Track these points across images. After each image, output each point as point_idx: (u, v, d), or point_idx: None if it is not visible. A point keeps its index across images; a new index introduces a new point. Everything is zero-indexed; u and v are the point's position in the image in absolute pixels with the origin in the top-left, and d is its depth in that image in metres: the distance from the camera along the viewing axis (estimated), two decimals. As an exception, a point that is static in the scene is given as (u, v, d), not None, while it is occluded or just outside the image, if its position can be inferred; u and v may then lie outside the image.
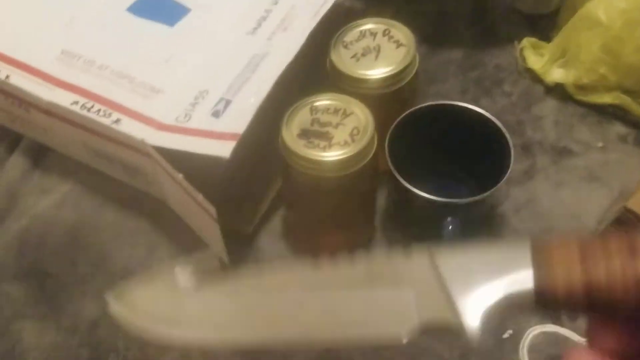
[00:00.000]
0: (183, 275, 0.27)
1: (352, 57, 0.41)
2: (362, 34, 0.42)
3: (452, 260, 0.25)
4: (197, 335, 0.26)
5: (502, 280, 0.24)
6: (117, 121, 0.40)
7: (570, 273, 0.24)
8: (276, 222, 0.45)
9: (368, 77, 0.40)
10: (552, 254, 0.25)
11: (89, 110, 0.41)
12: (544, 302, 0.24)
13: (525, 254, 0.25)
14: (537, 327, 0.40)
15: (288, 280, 0.26)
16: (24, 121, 0.46)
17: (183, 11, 0.46)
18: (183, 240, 0.45)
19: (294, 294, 0.26)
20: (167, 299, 0.27)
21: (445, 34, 0.56)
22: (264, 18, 0.45)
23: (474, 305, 0.24)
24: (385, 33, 0.42)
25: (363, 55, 0.41)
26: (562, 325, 0.40)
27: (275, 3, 0.46)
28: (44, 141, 0.48)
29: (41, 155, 0.49)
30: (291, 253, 0.44)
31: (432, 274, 0.25)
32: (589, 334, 0.26)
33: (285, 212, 0.45)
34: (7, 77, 0.43)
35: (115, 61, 0.43)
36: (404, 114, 0.42)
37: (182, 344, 0.27)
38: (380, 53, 0.41)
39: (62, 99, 0.41)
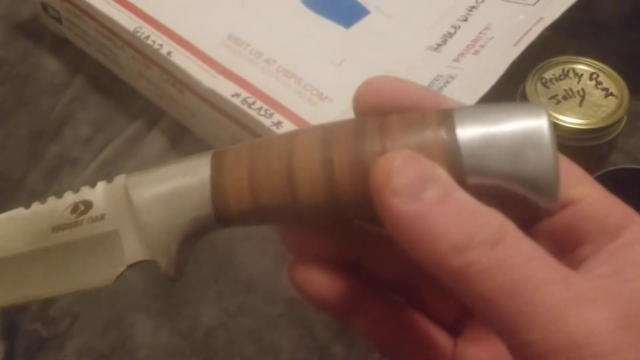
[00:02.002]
0: None
1: (552, 97, 0.36)
2: (565, 73, 0.37)
3: (140, 189, 0.23)
4: None
5: (184, 206, 0.22)
6: (278, 124, 0.37)
7: (238, 182, 0.22)
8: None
9: (568, 125, 0.35)
10: (224, 163, 0.22)
11: (249, 105, 0.38)
12: (225, 222, 0.22)
13: (205, 171, 0.22)
14: None
15: None
16: (173, 100, 0.44)
17: (362, 12, 0.42)
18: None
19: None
20: None
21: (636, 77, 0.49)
22: (450, 35, 0.40)
23: (166, 243, 0.23)
24: (593, 77, 0.37)
25: (565, 98, 0.36)
26: None
27: (465, 20, 0.41)
28: (187, 124, 0.45)
29: (180, 136, 0.46)
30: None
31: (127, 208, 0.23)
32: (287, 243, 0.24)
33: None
34: (169, 53, 0.40)
35: (283, 57, 0.40)
36: (595, 175, 0.36)
37: None
38: (585, 99, 0.36)
39: (224, 88, 0.38)
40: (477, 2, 0.42)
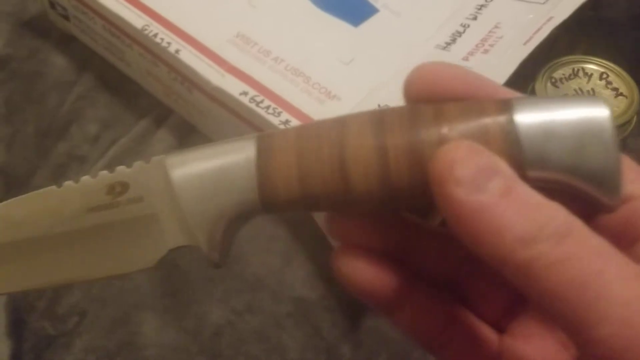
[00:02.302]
0: None
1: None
2: (575, 72, 0.37)
3: (181, 171, 0.22)
4: None
5: (228, 190, 0.22)
6: (286, 122, 0.37)
7: (286, 169, 0.21)
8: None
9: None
10: (271, 148, 0.22)
11: (257, 104, 0.37)
12: (270, 208, 0.22)
13: (250, 154, 0.22)
14: None
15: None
16: (180, 98, 0.44)
17: (370, 11, 0.42)
18: (320, 255, 0.41)
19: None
20: None
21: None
22: (459, 33, 0.40)
23: (209, 228, 0.22)
24: (603, 77, 0.37)
25: (574, 98, 0.36)
26: None
27: (474, 18, 0.40)
28: (194, 122, 0.45)
29: (187, 135, 0.46)
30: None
31: (167, 190, 0.22)
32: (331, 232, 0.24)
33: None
34: (177, 51, 0.40)
35: (291, 55, 0.39)
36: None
37: None
38: (595, 99, 0.36)
39: (232, 86, 0.38)
40: (486, 0, 0.41)
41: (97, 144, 0.46)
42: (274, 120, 0.37)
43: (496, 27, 0.39)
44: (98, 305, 0.39)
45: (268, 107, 0.37)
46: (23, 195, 0.24)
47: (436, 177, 0.19)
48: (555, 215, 0.18)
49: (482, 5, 0.41)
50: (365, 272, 0.23)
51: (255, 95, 0.38)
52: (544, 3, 0.40)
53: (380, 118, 0.21)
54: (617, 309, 0.17)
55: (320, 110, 0.37)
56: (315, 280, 0.40)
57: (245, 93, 0.38)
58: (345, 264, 0.23)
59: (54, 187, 0.24)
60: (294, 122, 0.37)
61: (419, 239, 0.24)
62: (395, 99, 0.37)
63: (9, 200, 0.24)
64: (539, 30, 0.37)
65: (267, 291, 0.40)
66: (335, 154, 0.21)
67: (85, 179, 0.23)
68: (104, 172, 0.23)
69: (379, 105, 0.37)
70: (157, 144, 0.46)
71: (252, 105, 0.37)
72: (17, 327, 0.38)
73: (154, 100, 0.47)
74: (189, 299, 0.40)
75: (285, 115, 0.37)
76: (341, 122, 0.22)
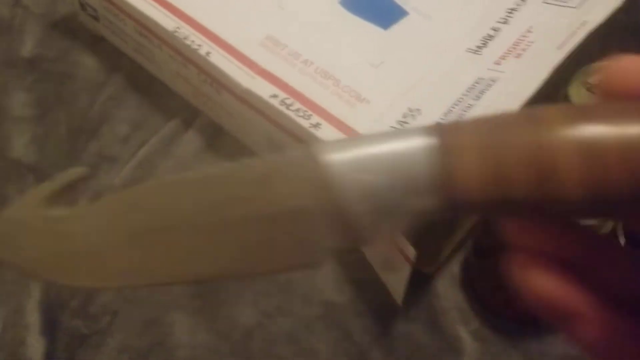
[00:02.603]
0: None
1: (595, 102, 0.35)
2: (608, 77, 0.36)
3: (344, 163, 0.19)
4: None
5: (405, 191, 0.19)
6: (317, 125, 0.37)
7: (479, 169, 0.19)
8: (456, 267, 0.41)
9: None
10: (458, 144, 0.19)
11: (288, 107, 0.38)
12: (455, 210, 0.19)
13: (429, 149, 0.19)
14: None
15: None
16: (210, 100, 0.44)
17: (400, 14, 0.42)
18: (350, 260, 0.41)
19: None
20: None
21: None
22: (490, 37, 0.40)
23: (375, 228, 0.20)
24: None
25: (608, 103, 0.35)
26: None
27: (505, 22, 0.40)
28: (223, 123, 0.46)
29: (216, 136, 0.47)
30: (472, 306, 0.39)
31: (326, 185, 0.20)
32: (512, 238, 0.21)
33: (470, 258, 0.40)
34: (208, 54, 0.40)
35: (321, 58, 0.39)
36: None
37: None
38: (630, 104, 0.35)
39: (262, 89, 0.38)
40: (516, 4, 0.41)
41: (127, 144, 0.46)
42: (304, 123, 0.37)
43: (528, 31, 0.39)
44: (130, 305, 0.40)
45: (298, 110, 0.37)
46: (153, 182, 0.22)
47: None
48: None
49: (512, 9, 0.41)
50: (542, 280, 0.21)
51: (286, 98, 0.38)
52: (576, 7, 0.39)
53: (585, 114, 0.19)
54: None
55: (350, 113, 0.37)
56: (345, 284, 0.40)
57: (275, 96, 0.38)
58: (522, 270, 0.21)
59: (212, 168, 0.21)
60: (324, 125, 0.37)
61: (608, 254, 0.22)
62: (425, 102, 0.37)
63: (139, 186, 0.22)
64: (572, 34, 0.37)
65: (298, 294, 0.40)
66: (539, 155, 0.18)
67: (228, 166, 0.21)
68: (249, 161, 0.21)
69: (409, 109, 0.37)
70: (186, 145, 0.46)
71: (282, 108, 0.38)
72: (50, 326, 0.39)
73: (183, 101, 0.47)
74: (220, 300, 0.40)
75: (315, 118, 0.37)
76: (539, 119, 0.19)
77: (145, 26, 0.43)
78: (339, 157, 0.20)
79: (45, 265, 0.22)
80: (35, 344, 0.38)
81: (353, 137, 0.21)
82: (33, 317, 0.39)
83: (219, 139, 0.47)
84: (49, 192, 0.23)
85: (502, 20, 0.40)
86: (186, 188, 0.21)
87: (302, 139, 0.38)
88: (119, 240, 0.22)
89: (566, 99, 0.36)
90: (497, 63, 0.38)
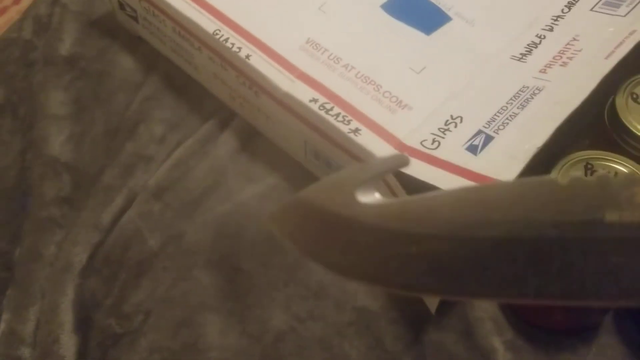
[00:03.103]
0: None
1: (643, 114, 0.35)
2: (657, 88, 0.36)
3: None
4: None
5: None
6: (356, 131, 0.36)
7: None
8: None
9: None
10: None
11: (327, 111, 0.37)
12: None
13: None
14: None
15: None
16: (247, 103, 0.44)
17: (443, 19, 0.41)
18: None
19: None
20: None
21: None
22: (535, 45, 0.39)
23: None
24: (687, 93, 0.35)
25: (657, 114, 0.35)
26: None
27: (551, 29, 0.40)
28: (259, 126, 0.45)
29: (251, 139, 0.46)
30: (507, 316, 0.39)
31: None
32: None
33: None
34: (248, 56, 0.40)
35: (362, 63, 0.39)
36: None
37: None
38: (679, 117, 0.34)
39: (301, 93, 0.38)
40: (562, 12, 0.40)
41: (163, 144, 0.46)
42: (344, 129, 0.37)
43: (574, 39, 0.38)
44: (163, 305, 0.40)
45: (338, 115, 0.37)
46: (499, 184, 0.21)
47: None
48: None
49: (558, 16, 0.40)
50: None
51: (325, 103, 0.38)
52: (625, 15, 0.38)
53: None
54: None
55: (391, 119, 0.37)
56: (377, 290, 0.40)
57: (315, 100, 0.38)
58: None
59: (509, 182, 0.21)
60: (364, 131, 0.36)
61: None
62: (468, 109, 0.37)
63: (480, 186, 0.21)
64: (620, 44, 0.36)
65: (330, 299, 0.40)
66: None
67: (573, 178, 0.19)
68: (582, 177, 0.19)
69: (451, 116, 0.36)
70: (221, 147, 0.46)
71: (322, 113, 0.37)
72: (84, 324, 0.39)
73: (219, 103, 0.47)
74: (252, 303, 0.40)
75: (355, 124, 0.37)
76: None
77: (185, 27, 0.43)
78: None
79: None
80: (69, 342, 0.38)
81: None
82: (67, 315, 0.39)
83: (254, 142, 0.46)
84: (363, 179, 0.22)
85: (548, 28, 0.40)
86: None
87: (340, 145, 0.37)
88: None
89: (612, 109, 0.35)
90: (543, 71, 0.37)
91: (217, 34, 0.41)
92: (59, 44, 0.52)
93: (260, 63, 0.40)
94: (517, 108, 0.35)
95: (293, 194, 0.43)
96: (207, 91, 0.48)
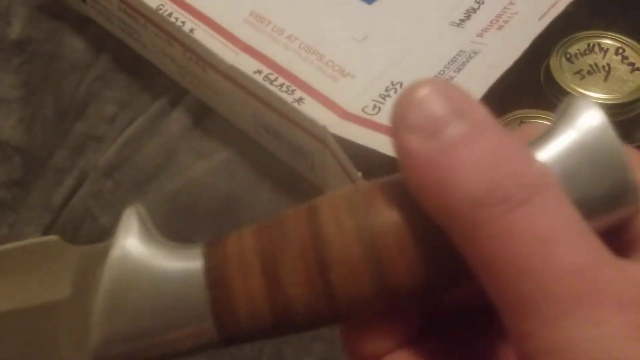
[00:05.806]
0: None
1: (576, 72, 0.36)
2: (590, 48, 0.37)
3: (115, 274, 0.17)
4: None
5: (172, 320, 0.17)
6: (300, 100, 0.37)
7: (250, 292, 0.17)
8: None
9: (592, 100, 0.35)
10: (226, 266, 0.17)
11: (271, 82, 0.38)
12: (230, 339, 0.17)
13: (196, 275, 0.17)
14: None
15: None
16: (196, 78, 0.44)
17: (384, -12, 0.42)
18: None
19: None
20: None
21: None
22: (473, 10, 0.40)
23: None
24: (619, 52, 0.36)
25: (589, 73, 0.36)
26: None
27: (489, -5, 0.40)
28: (209, 102, 0.46)
29: (203, 115, 0.47)
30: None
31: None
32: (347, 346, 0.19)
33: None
34: (192, 30, 0.40)
35: (305, 33, 0.39)
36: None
37: None
38: (611, 74, 0.36)
39: (246, 65, 0.38)
40: (501, -24, 0.41)
41: (114, 124, 0.46)
42: (288, 98, 0.37)
43: (511, 3, 0.39)
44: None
45: (282, 85, 0.38)
46: None
47: (392, 126, 0.16)
48: (523, 171, 0.15)
49: (496, -19, 0.41)
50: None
51: (269, 74, 0.38)
52: (559, -22, 0.39)
53: (354, 202, 0.17)
54: (552, 305, 0.14)
55: (334, 88, 0.37)
56: None
57: (259, 72, 0.38)
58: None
59: None
60: (308, 100, 0.37)
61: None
62: (407, 75, 0.37)
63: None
64: (554, 5, 0.37)
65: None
66: (314, 264, 0.17)
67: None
68: None
69: (392, 83, 0.37)
70: (173, 124, 0.46)
71: (266, 84, 0.38)
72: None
73: (170, 81, 0.47)
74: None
75: (299, 93, 0.37)
76: (311, 217, 0.18)
77: (129, 4, 0.43)
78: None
79: None
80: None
81: (145, 261, 0.18)
82: None
83: (206, 118, 0.47)
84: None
85: (486, -7, 0.40)
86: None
87: (286, 115, 0.38)
88: None
89: (547, 69, 0.36)
90: (480, 35, 0.38)
91: (160, 9, 0.41)
92: (7, 29, 0.51)
93: (204, 37, 0.40)
94: (454, 72, 0.36)
95: (244, 167, 0.44)
96: (158, 69, 0.48)
